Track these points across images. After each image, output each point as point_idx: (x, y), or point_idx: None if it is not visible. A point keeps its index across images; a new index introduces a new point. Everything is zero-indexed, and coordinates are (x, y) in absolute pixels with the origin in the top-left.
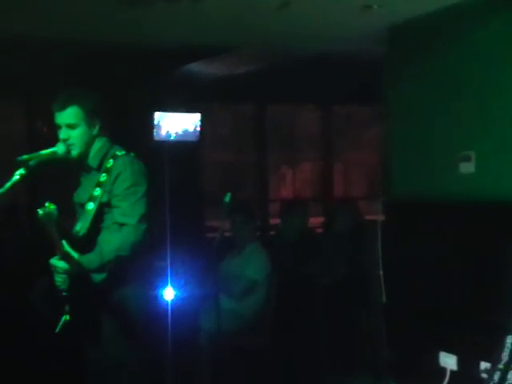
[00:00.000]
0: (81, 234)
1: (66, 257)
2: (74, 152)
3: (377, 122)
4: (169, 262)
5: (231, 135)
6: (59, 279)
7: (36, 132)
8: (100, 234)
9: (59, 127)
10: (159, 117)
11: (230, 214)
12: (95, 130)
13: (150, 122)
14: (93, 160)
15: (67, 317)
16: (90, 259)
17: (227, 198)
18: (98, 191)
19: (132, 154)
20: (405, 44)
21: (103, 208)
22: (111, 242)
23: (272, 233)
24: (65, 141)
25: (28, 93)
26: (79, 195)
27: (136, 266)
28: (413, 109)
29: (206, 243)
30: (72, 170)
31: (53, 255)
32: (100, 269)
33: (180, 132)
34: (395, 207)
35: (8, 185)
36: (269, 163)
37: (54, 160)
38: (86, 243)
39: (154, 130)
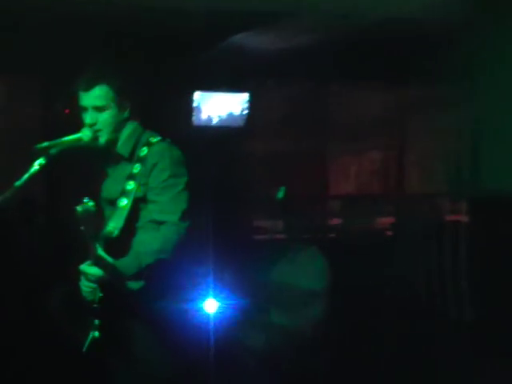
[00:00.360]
0: (114, 235)
1: (100, 262)
2: (102, 139)
3: (460, 103)
4: (211, 269)
5: (284, 119)
6: (87, 289)
7: (55, 114)
8: (135, 235)
9: (84, 110)
10: (199, 98)
11: (283, 212)
12: (126, 113)
13: (189, 103)
14: (123, 148)
15: (96, 333)
16: (127, 264)
17: (280, 194)
18: (131, 184)
19: (168, 140)
20: (499, 6)
21: (138, 204)
22: (150, 243)
23: (332, 235)
24: (91, 126)
25: (45, 68)
26: (108, 189)
27: (175, 271)
28: (508, 88)
29: (254, 247)
30: (96, 160)
31: (76, 259)
32: (137, 275)
33: (224, 116)
34: (484, 205)
35: (26, 176)
36: (329, 153)
37: (77, 148)
38: (120, 246)
39: (194, 114)
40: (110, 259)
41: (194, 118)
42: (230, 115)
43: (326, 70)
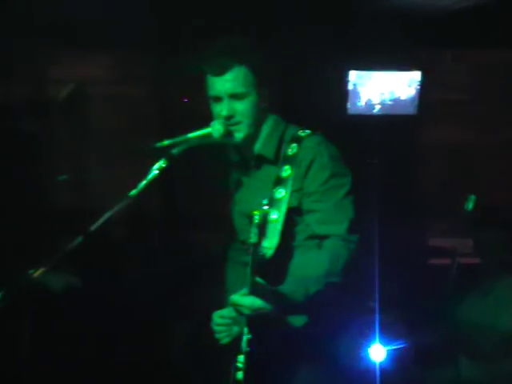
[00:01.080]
0: (267, 256)
1: (257, 290)
2: (240, 134)
3: None
4: (377, 303)
5: (472, 102)
6: (220, 328)
7: (170, 104)
8: (292, 258)
9: (217, 99)
10: (356, 78)
11: (477, 228)
12: (265, 104)
13: (342, 86)
14: (265, 147)
15: (239, 374)
16: (291, 292)
17: (470, 204)
18: (281, 192)
19: (320, 133)
20: None
21: (292, 216)
22: (315, 263)
23: None
24: (229, 118)
25: (155, 43)
26: (247, 201)
27: (343, 301)
28: None
29: (432, 274)
30: (227, 164)
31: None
32: (302, 306)
33: (389, 101)
34: None
35: (143, 184)
36: None
37: (205, 147)
38: (274, 270)
39: (348, 99)
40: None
41: (348, 106)
42: (398, 101)
43: None
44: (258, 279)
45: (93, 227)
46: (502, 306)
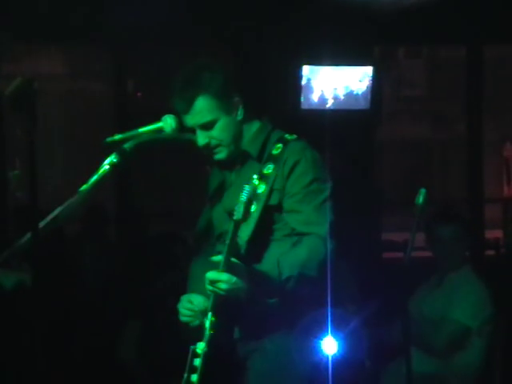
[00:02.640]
0: (241, 242)
1: (233, 269)
2: (221, 155)
3: None
4: (329, 297)
5: (425, 97)
6: (187, 311)
7: (128, 99)
8: (268, 250)
9: (193, 130)
10: (309, 73)
11: (428, 222)
12: (239, 114)
13: (295, 81)
14: (251, 144)
15: (195, 377)
16: (265, 272)
17: (420, 198)
18: (261, 188)
19: (305, 141)
20: None
21: (271, 213)
22: (292, 253)
23: (491, 252)
24: (207, 146)
25: (116, 43)
26: (230, 198)
27: (317, 294)
28: None
29: (384, 268)
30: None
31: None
32: (274, 289)
33: (342, 96)
34: None
35: (94, 179)
36: (485, 140)
37: (158, 142)
38: (248, 257)
39: (302, 94)
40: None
41: (301, 101)
42: (351, 95)
43: (481, 30)
44: (234, 259)
45: (42, 223)
46: (452, 301)
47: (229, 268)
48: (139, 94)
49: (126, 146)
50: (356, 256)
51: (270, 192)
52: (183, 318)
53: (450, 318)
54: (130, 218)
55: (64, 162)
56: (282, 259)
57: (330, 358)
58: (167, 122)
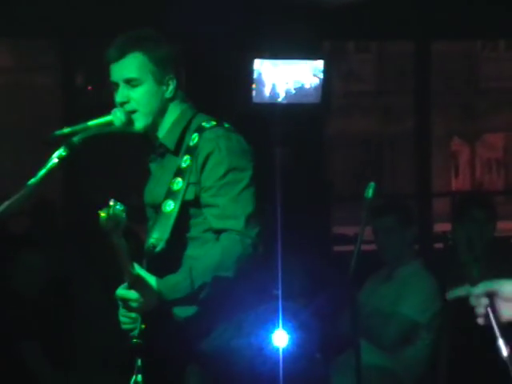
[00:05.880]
0: (158, 249)
1: (138, 284)
2: (139, 123)
3: None
4: (280, 291)
5: (374, 92)
6: (127, 319)
7: (77, 92)
8: (187, 249)
9: (116, 86)
10: (261, 67)
11: (375, 216)
12: (169, 91)
13: (247, 75)
14: (167, 137)
15: (139, 377)
16: (176, 284)
17: (369, 192)
18: (179, 183)
19: (226, 125)
20: None
21: (188, 209)
22: (206, 257)
23: (438, 245)
24: (122, 104)
25: (63, 33)
26: (151, 192)
27: (241, 295)
28: None
29: (335, 261)
30: (134, 151)
31: (112, 281)
32: (189, 299)
33: (293, 90)
34: None
35: (42, 172)
36: (433, 135)
37: (107, 135)
38: (167, 263)
39: (254, 88)
40: (152, 279)
41: (253, 95)
42: (302, 89)
43: (430, 25)
44: (139, 271)
45: None
46: (402, 295)
47: (133, 284)
48: (90, 88)
49: (75, 139)
50: (307, 249)
51: (187, 187)
52: (124, 326)
53: (398, 312)
54: (80, 213)
55: (12, 156)
56: (195, 265)
57: (280, 351)
58: (117, 116)
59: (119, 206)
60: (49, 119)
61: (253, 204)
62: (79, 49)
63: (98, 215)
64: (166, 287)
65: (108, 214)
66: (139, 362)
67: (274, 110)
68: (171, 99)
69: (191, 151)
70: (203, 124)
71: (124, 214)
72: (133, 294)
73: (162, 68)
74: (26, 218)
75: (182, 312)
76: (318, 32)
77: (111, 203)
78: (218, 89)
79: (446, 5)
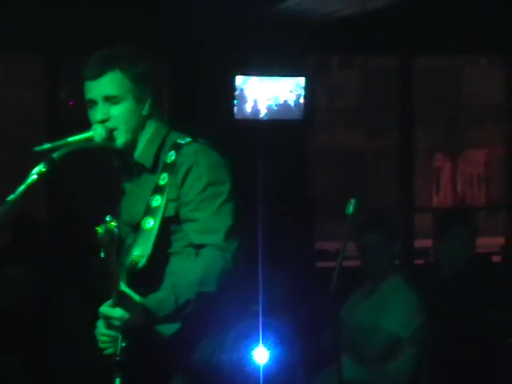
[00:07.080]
0: (140, 265)
1: (124, 301)
2: (120, 140)
3: None
4: (261, 307)
5: (357, 107)
6: (106, 338)
7: (59, 107)
8: (168, 264)
9: (93, 103)
10: (242, 83)
11: (363, 231)
12: (146, 109)
13: (229, 91)
14: (143, 155)
15: None
16: (160, 301)
17: (351, 207)
18: (157, 200)
19: (201, 141)
20: None
21: (169, 225)
22: (188, 273)
23: (420, 261)
24: (103, 122)
25: (48, 51)
26: (128, 210)
27: (224, 310)
28: None
29: (318, 277)
30: (107, 166)
31: (91, 297)
32: (173, 316)
33: (275, 106)
34: None
35: (21, 188)
36: (416, 150)
37: (87, 151)
38: (148, 279)
39: (235, 105)
40: (136, 297)
41: (235, 111)
42: (284, 106)
43: (412, 40)
44: (125, 289)
45: None
46: (384, 310)
47: (119, 302)
48: (71, 103)
49: (55, 155)
50: (289, 265)
51: (166, 204)
52: (101, 345)
53: (381, 327)
54: (63, 226)
55: None
56: (178, 282)
57: (261, 368)
58: (97, 132)
59: (114, 223)
60: (31, 134)
61: (232, 218)
62: (63, 64)
63: (96, 231)
64: (153, 305)
65: (105, 230)
66: (118, 381)
67: (256, 127)
68: (148, 116)
69: (169, 168)
70: (178, 141)
71: (117, 230)
72: (117, 312)
73: (140, 85)
74: (7, 232)
75: (167, 329)
76: (301, 49)
77: (107, 219)
78: (199, 105)
79: (430, 19)
